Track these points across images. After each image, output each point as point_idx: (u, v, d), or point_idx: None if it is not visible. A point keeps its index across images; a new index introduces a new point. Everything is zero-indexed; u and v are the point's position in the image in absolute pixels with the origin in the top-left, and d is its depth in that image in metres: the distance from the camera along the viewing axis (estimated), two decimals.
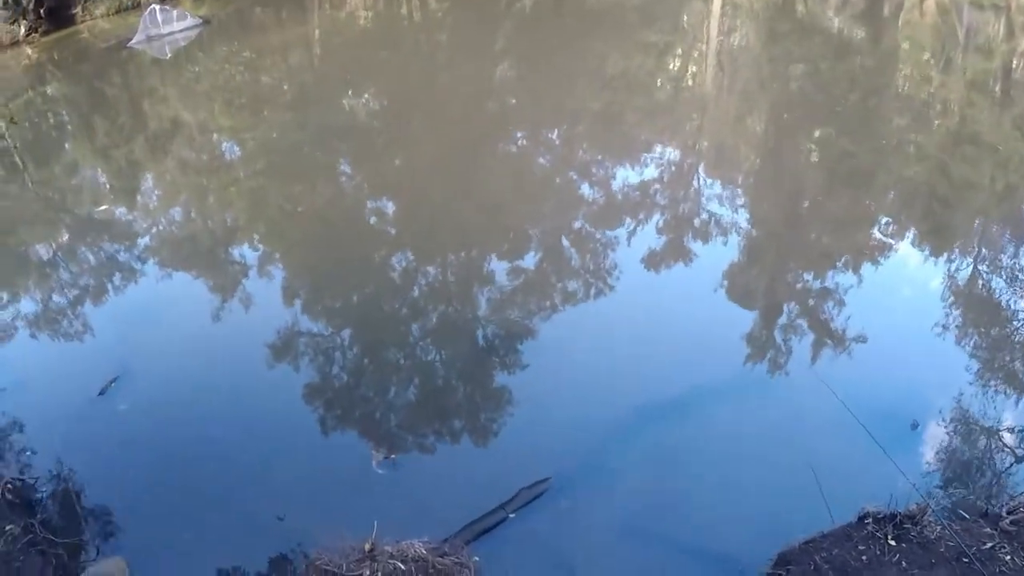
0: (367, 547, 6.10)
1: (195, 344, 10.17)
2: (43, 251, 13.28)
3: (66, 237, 13.59)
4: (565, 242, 12.06)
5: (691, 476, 7.38)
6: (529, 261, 11.49)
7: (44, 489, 8.21)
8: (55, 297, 11.82)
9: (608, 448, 7.68)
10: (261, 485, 7.74)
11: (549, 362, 9.25)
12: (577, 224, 12.53)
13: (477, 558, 6.27)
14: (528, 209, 13.15)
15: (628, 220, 12.63)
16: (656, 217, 12.79)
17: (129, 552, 7.15)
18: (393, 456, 7.91)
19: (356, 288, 11.19)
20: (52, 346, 10.72)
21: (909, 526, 5.81)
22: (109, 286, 12.04)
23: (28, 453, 8.75)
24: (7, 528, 7.39)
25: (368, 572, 5.92)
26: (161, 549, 7.14)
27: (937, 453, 7.65)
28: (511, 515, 6.93)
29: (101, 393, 9.25)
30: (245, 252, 12.47)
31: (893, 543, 5.72)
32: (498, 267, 11.34)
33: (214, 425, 8.62)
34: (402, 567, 5.94)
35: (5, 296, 12.00)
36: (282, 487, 7.65)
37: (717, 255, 11.55)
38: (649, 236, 12.17)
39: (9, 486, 8.00)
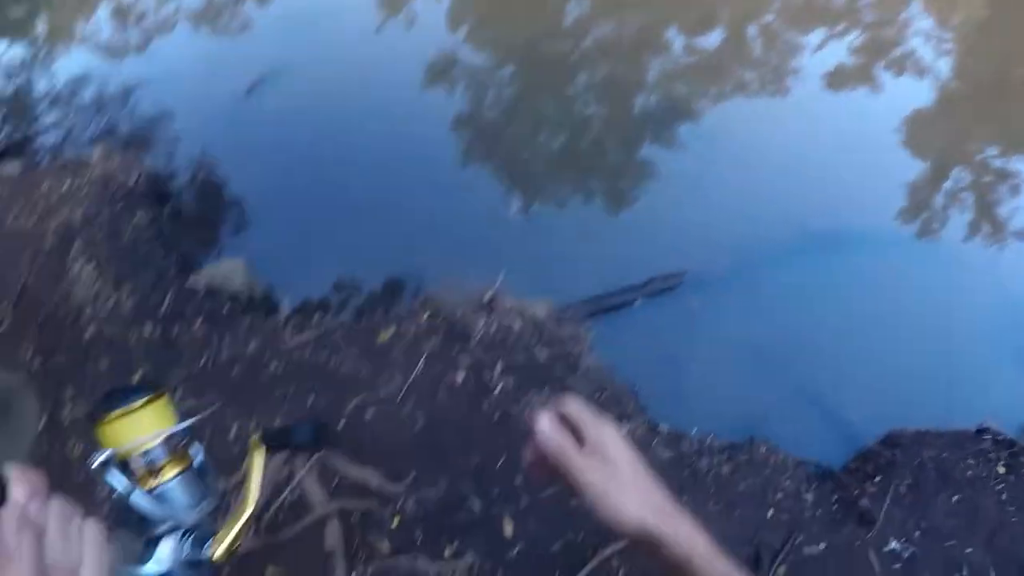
0: (487, 297, 6.00)
1: (351, 54, 9.86)
2: None
3: None
4: (752, 30, 11.15)
5: (826, 319, 6.94)
6: (711, 40, 10.72)
7: (179, 182, 8.31)
8: None
9: (750, 262, 7.20)
10: (394, 209, 7.57)
11: (706, 151, 8.58)
12: (770, 17, 11.56)
13: (592, 334, 6.14)
14: None
15: (824, 28, 11.54)
16: (855, 34, 11.63)
17: (251, 254, 7.22)
18: (530, 209, 7.70)
19: (525, 25, 10.52)
20: (207, 39, 10.63)
21: None
22: None
23: (169, 145, 8.83)
24: (136, 217, 7.47)
25: (483, 322, 5.85)
26: (282, 257, 7.20)
27: None
28: (637, 301, 6.69)
29: (249, 91, 9.15)
30: None
31: (1002, 470, 5.39)
32: (677, 38, 10.59)
33: (357, 140, 8.38)
34: (517, 326, 5.85)
35: None
36: (414, 215, 7.50)
37: (906, 95, 10.49)
38: (841, 52, 11.09)
39: (144, 176, 8.08)
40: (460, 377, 5.60)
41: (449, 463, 5.16)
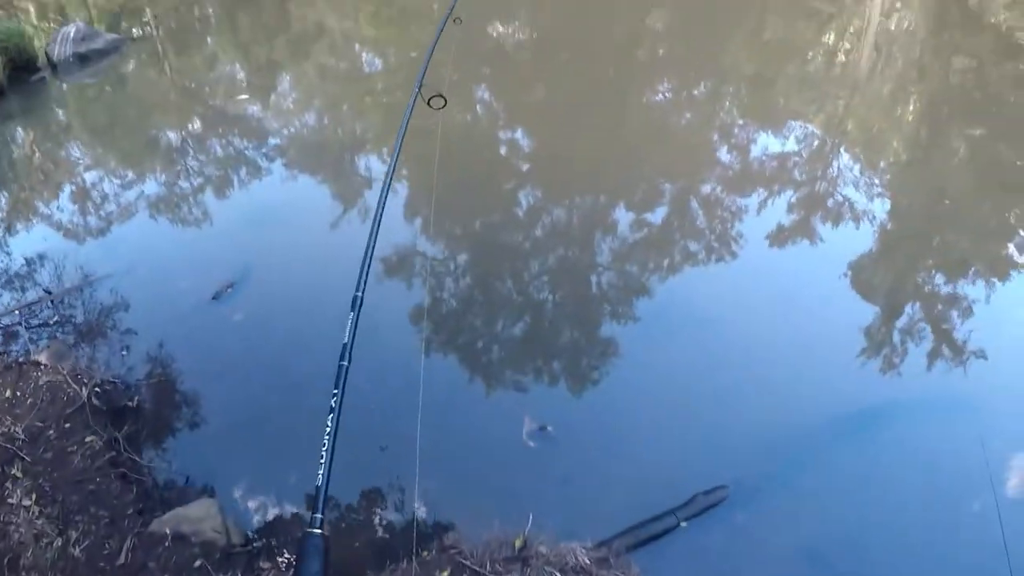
0: (517, 544, 4.74)
1: (315, 255, 8.91)
2: (174, 137, 12.15)
3: (198, 125, 12.41)
4: (694, 203, 10.46)
5: (873, 508, 5.74)
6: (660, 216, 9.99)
7: (137, 396, 6.80)
8: (179, 184, 10.82)
9: (784, 461, 6.07)
10: (381, 432, 6.20)
11: (708, 341, 7.42)
12: (708, 187, 10.92)
13: (638, 571, 4.87)
14: (663, 162, 11.62)
15: (761, 190, 10.94)
16: (790, 192, 11.06)
17: (222, 485, 5.90)
18: (548, 427, 6.27)
19: (480, 216, 9.82)
20: (169, 236, 9.61)
21: None
22: (234, 180, 11.11)
23: (127, 350, 7.42)
24: (88, 439, 6.06)
25: None
26: (260, 492, 5.83)
27: None
28: (683, 523, 5.47)
29: (215, 297, 8.00)
30: (372, 164, 11.28)
31: None
32: (625, 216, 9.86)
33: (331, 351, 6.95)
34: None
35: (131, 175, 10.94)
36: (407, 440, 6.18)
37: (847, 242, 9.76)
38: (779, 211, 10.44)
39: (98, 389, 6.62)
40: None
41: None
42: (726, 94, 14.47)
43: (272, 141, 12.04)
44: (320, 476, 2.51)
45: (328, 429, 2.69)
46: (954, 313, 8.33)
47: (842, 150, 12.73)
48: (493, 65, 14.98)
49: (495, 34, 16.70)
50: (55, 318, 8.16)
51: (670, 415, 6.57)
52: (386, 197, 4.50)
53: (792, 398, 6.71)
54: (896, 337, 7.90)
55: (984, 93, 14.59)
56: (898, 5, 19.99)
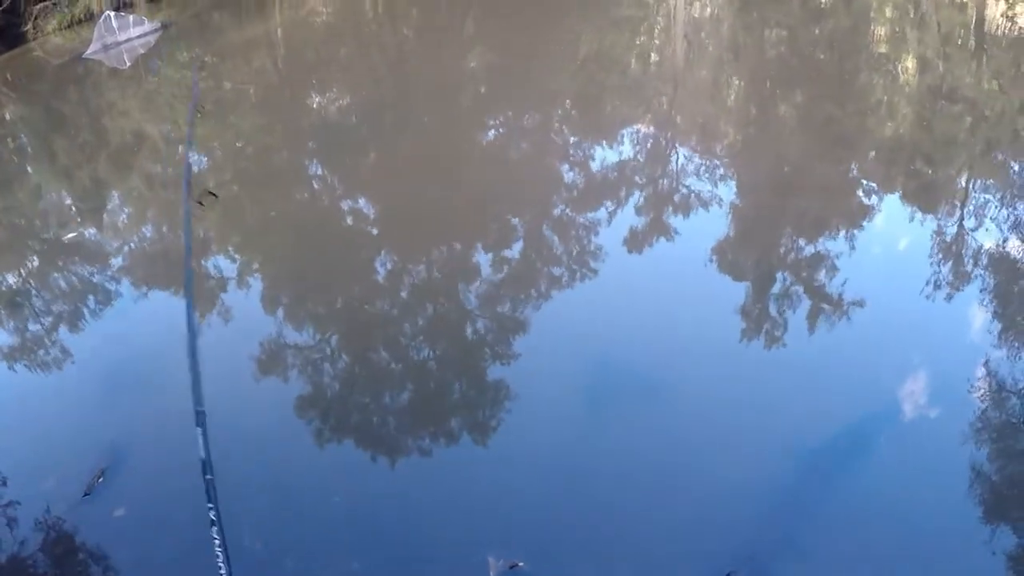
0: None
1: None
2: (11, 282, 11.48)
3: (35, 265, 11.92)
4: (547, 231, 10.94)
5: None
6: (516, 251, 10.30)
7: None
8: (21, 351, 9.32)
9: None
10: None
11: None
12: (558, 210, 11.44)
13: None
14: (509, 199, 12.03)
15: (609, 202, 11.60)
16: (637, 195, 11.87)
17: None
18: (519, 563, 5.57)
19: (342, 290, 9.85)
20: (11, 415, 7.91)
21: None
22: (81, 336, 9.72)
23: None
24: None
25: None
26: None
27: None
28: None
29: (87, 493, 6.41)
30: (222, 265, 10.85)
31: None
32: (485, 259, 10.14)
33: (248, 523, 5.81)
34: None
35: None
36: None
37: (702, 229, 10.52)
38: (630, 216, 11.14)
39: None
40: None
41: None
42: (556, 117, 15.22)
43: (113, 261, 11.50)
44: None
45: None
46: None
47: (678, 144, 13.49)
48: (318, 138, 15.16)
49: (316, 106, 17.02)
50: None
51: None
52: None
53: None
54: None
55: (800, 58, 15.63)
56: None
